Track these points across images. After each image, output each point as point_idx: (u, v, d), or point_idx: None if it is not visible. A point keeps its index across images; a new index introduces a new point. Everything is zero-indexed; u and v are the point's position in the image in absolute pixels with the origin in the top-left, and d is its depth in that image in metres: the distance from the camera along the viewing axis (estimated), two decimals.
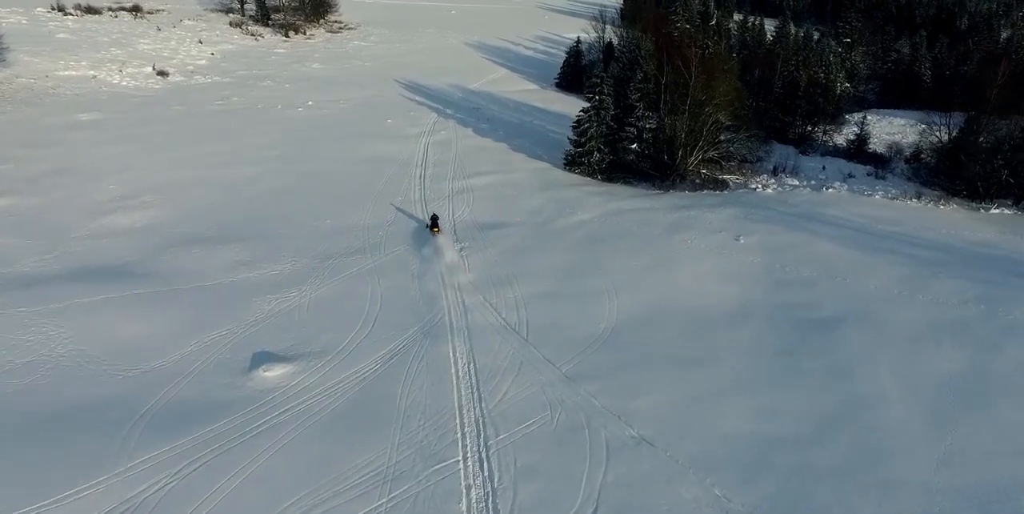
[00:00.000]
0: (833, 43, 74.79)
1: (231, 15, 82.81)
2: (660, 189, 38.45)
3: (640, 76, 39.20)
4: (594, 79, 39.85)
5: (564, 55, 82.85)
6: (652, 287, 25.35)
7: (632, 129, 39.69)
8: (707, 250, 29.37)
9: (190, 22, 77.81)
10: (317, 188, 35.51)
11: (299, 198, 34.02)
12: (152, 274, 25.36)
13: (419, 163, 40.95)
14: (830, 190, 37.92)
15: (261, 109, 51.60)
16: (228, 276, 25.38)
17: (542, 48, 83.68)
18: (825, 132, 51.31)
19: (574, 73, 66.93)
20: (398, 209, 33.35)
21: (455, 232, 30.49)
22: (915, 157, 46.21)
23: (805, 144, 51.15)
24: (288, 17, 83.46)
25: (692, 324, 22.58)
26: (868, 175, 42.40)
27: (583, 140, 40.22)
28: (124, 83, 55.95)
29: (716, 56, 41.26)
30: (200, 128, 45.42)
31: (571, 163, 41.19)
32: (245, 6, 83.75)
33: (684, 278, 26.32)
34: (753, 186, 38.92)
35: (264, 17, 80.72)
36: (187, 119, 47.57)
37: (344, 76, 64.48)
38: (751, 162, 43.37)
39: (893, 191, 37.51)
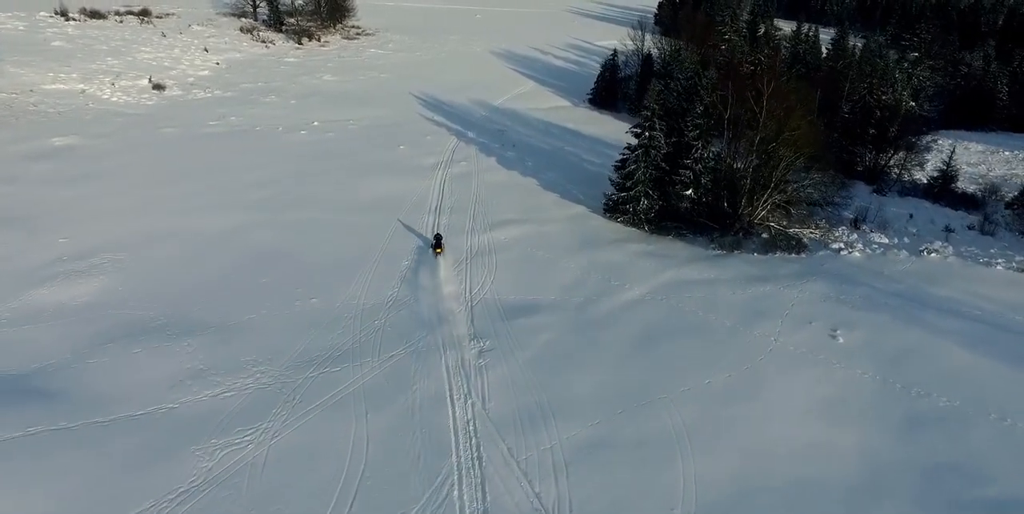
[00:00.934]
0: (896, 56, 66.33)
1: (243, 20, 76.19)
2: (722, 248, 30.95)
3: (700, 109, 31.69)
4: (644, 112, 32.40)
5: (596, 65, 75.03)
6: (736, 432, 18.00)
7: (688, 172, 32.24)
8: (798, 355, 21.98)
9: (198, 27, 71.32)
10: (307, 247, 28.57)
11: (283, 262, 27.11)
12: (68, 392, 18.60)
13: (433, 208, 33.84)
14: (932, 255, 30.17)
15: (260, 132, 44.78)
16: (169, 398, 18.55)
17: (573, 57, 76.00)
18: (903, 167, 43.21)
19: (609, 88, 59.35)
20: (403, 279, 26.35)
21: (473, 321, 23.35)
22: (1020, 201, 38.11)
23: (879, 180, 43.24)
24: (303, 22, 76.65)
25: None
26: (970, 228, 34.51)
27: (628, 184, 32.85)
28: (115, 99, 49.46)
29: (784, 78, 33.45)
30: (186, 158, 38.67)
31: (613, 209, 33.85)
32: (258, 10, 77.08)
33: (776, 413, 18.93)
34: (835, 246, 31.25)
35: (277, 22, 73.99)
36: (173, 146, 40.87)
37: (357, 90, 57.50)
38: (823, 206, 35.61)
39: (1017, 258, 29.65)
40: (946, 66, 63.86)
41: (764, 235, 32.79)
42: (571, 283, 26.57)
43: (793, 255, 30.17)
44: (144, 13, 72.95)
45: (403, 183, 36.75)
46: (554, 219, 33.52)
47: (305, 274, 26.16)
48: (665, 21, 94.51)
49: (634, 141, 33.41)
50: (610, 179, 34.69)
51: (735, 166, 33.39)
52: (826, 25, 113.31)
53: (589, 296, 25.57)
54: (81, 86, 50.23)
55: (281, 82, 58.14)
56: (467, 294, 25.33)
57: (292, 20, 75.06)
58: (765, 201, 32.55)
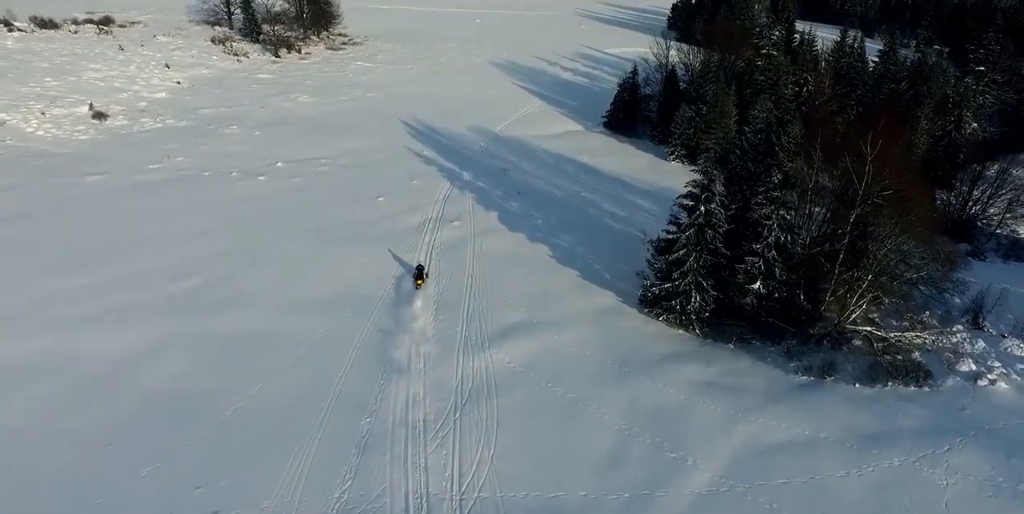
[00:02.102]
0: (946, 64, 56.48)
1: (217, 29, 66.32)
2: (807, 371, 21.70)
3: (778, 177, 22.24)
4: (700, 179, 22.88)
5: (608, 78, 65.27)
6: None
7: (756, 260, 22.93)
8: None
9: (164, 38, 61.49)
10: (227, 385, 19.36)
11: (186, 421, 17.91)
12: None
13: (414, 301, 24.63)
14: None
15: (208, 179, 35.34)
16: None
17: (583, 69, 66.15)
18: (1002, 221, 33.79)
19: (628, 110, 49.68)
20: (362, 447, 17.24)
21: None
22: None
23: (970, 236, 33.89)
24: (283, 31, 66.71)
25: None
26: None
27: (676, 274, 23.59)
28: (40, 133, 40.00)
29: (899, 139, 23.99)
30: (103, 225, 29.24)
31: (653, 303, 24.65)
32: (233, 17, 67.14)
33: None
34: (965, 368, 21.94)
35: (254, 32, 64.06)
36: (94, 204, 31.40)
37: (336, 115, 47.91)
38: (919, 286, 26.08)
39: None
40: (1010, 79, 54.01)
41: (856, 341, 23.61)
42: (607, 456, 17.40)
43: (913, 387, 20.94)
44: (105, 22, 63.17)
45: (377, 259, 27.49)
46: (575, 318, 24.27)
47: (213, 449, 17.04)
48: (680, 25, 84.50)
49: (685, 215, 24.12)
50: (648, 261, 25.41)
51: (815, 245, 24.16)
52: (850, 27, 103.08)
53: (636, 487, 16.40)
54: (1, 116, 40.80)
55: (248, 105, 48.55)
56: (454, 488, 16.22)
57: (270, 28, 65.02)
58: (859, 299, 23.25)
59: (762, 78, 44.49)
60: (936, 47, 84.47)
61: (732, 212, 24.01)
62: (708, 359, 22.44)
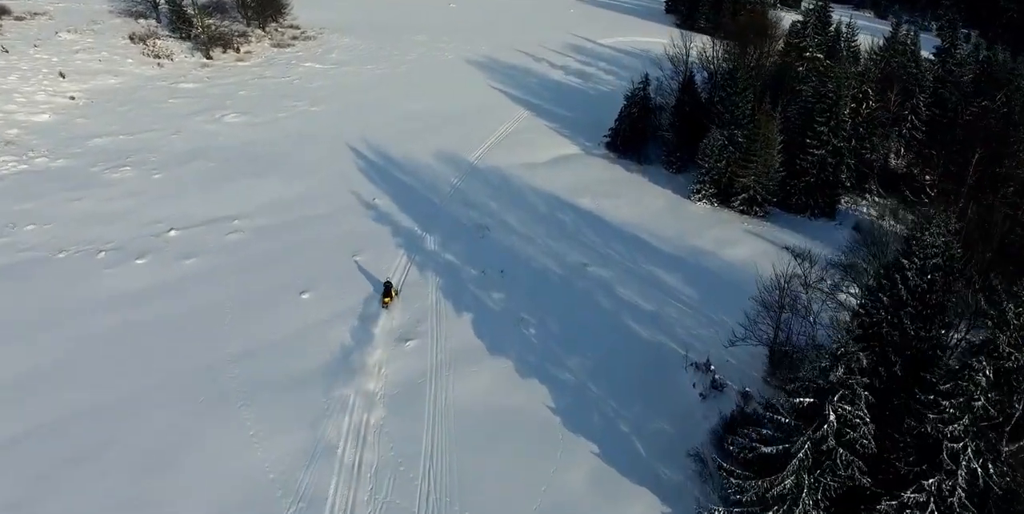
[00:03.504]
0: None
1: (141, 22, 52.79)
2: None
3: (988, 373, 11.21)
4: (832, 368, 11.93)
5: (605, 78, 53.20)
6: None
7: (925, 501, 12.32)
8: None
9: (70, 36, 48.21)
10: None
11: None
12: None
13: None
14: None
15: (61, 264, 23.63)
16: None
17: (574, 66, 53.90)
18: None
19: (636, 128, 38.07)
20: None
21: None
22: None
23: None
24: (219, 22, 53.41)
25: None
26: None
27: (776, 511, 12.95)
28: None
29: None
30: None
31: None
32: (160, 7, 53.48)
33: None
34: None
35: (183, 26, 50.76)
36: None
37: (267, 142, 35.78)
38: None
39: None
40: None
41: None
42: None
43: None
44: None
45: (282, 433, 16.51)
46: None
47: None
48: (681, 9, 71.68)
49: (784, 411, 13.25)
50: (725, 470, 14.67)
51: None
52: (859, 7, 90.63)
53: None
54: None
55: (159, 130, 36.29)
56: None
57: (200, 21, 51.64)
58: None
59: (809, 89, 33.15)
60: (964, 31, 72.91)
61: (879, 412, 13.19)
62: None
